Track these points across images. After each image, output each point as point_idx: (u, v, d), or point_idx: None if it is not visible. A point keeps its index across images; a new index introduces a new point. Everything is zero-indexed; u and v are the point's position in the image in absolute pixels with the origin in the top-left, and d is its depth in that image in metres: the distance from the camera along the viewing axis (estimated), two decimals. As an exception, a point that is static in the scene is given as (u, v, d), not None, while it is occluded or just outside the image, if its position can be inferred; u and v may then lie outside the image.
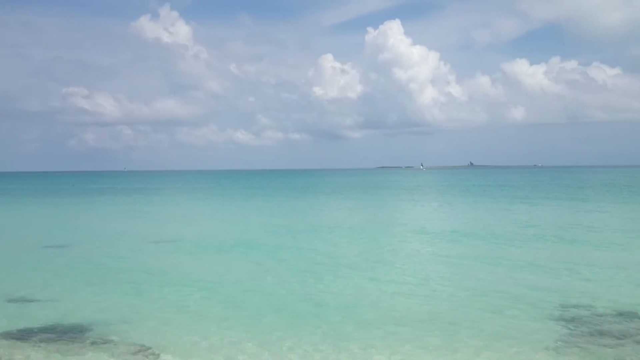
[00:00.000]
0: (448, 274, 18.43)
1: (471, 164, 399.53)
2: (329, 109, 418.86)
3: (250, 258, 22.14)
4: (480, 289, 16.16)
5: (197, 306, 14.77)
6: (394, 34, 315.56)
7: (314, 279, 17.80)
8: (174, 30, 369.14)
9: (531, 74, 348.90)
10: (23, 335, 12.23)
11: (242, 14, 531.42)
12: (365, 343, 11.55)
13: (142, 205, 54.80)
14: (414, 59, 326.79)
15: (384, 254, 22.93)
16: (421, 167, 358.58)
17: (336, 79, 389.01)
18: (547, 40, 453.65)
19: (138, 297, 15.87)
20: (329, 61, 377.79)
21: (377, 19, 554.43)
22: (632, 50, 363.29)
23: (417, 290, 16.10)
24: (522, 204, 49.25)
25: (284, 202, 57.34)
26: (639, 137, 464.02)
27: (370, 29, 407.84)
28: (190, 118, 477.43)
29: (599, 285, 16.56)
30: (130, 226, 35.80)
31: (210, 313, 14.07)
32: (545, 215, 38.34)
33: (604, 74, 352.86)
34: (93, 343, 11.70)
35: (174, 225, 36.02)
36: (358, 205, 54.08)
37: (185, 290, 16.39)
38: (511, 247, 23.99)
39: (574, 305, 14.09)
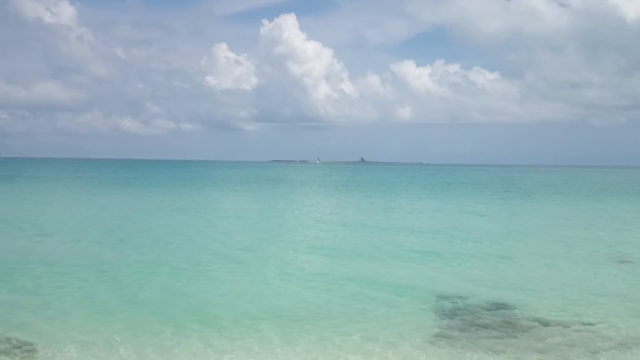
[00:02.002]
0: (330, 266, 18.23)
1: (362, 159, 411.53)
2: (223, 99, 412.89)
3: (116, 253, 20.34)
4: (358, 280, 16.14)
5: (77, 301, 13.50)
6: (289, 28, 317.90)
7: (193, 273, 16.83)
8: (57, 11, 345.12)
9: (417, 75, 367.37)
10: None
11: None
12: (245, 337, 11.03)
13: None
14: (308, 54, 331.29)
15: (270, 247, 22.26)
16: (317, 161, 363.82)
17: (230, 70, 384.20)
18: (433, 43, 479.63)
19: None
20: (223, 51, 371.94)
21: (273, 11, 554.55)
22: (510, 57, 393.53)
23: (297, 283, 15.80)
24: (408, 198, 50.91)
25: (168, 193, 54.66)
26: (514, 138, 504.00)
27: (265, 21, 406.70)
28: (73, 103, 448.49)
29: (474, 276, 17.02)
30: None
31: (86, 310, 12.81)
32: (427, 210, 39.65)
33: (483, 78, 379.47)
34: None
35: (40, 215, 32.66)
36: (246, 198, 52.94)
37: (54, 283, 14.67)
38: (395, 239, 24.40)
39: (450, 296, 14.30)
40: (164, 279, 16.18)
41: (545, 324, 12.14)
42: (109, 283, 15.54)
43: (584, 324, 12.15)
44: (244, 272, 17.33)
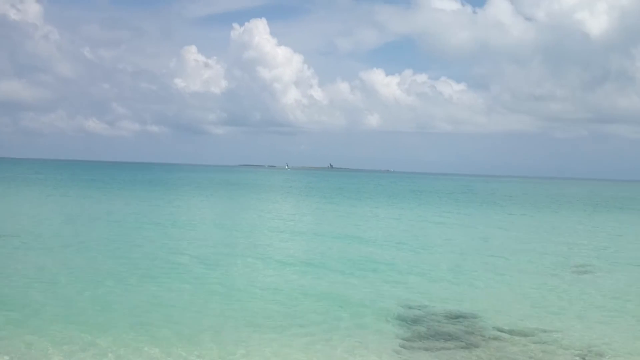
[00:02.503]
0: (289, 277, 18.06)
1: (331, 166, 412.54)
2: (191, 102, 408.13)
3: (75, 257, 19.84)
4: (318, 291, 16.02)
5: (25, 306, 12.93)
6: (260, 32, 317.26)
7: (146, 278, 16.50)
8: (23, 8, 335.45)
9: (386, 83, 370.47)
10: None
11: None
12: (204, 349, 10.77)
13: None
14: (278, 60, 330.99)
15: (226, 257, 21.99)
16: (286, 166, 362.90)
17: (199, 73, 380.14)
18: (402, 53, 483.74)
19: None
20: (192, 53, 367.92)
21: (244, 15, 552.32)
22: (476, 69, 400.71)
23: (254, 294, 15.49)
24: (371, 206, 51.17)
25: (130, 195, 53.64)
26: (479, 148, 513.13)
27: (236, 25, 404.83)
28: (37, 102, 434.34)
29: (434, 286, 17.19)
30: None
31: (40, 317, 12.32)
32: (389, 218, 39.91)
33: (450, 88, 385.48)
34: None
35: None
36: (208, 202, 52.39)
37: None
38: (357, 247, 24.43)
39: (411, 306, 14.37)
40: (102, 289, 15.53)
41: (505, 333, 12.30)
42: (47, 292, 14.97)
43: (542, 334, 12.33)
44: (193, 284, 16.77)
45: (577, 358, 10.93)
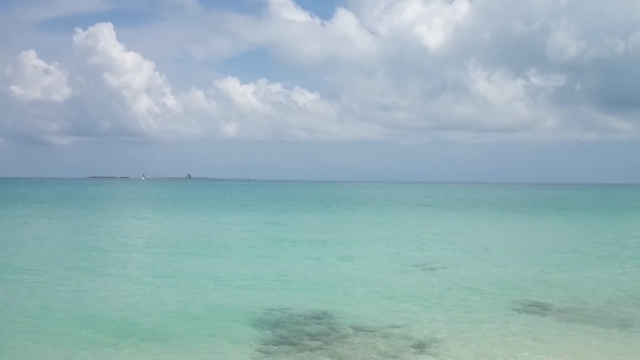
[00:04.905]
0: (153, 288, 17.63)
1: (189, 175, 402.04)
2: (30, 111, 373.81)
3: None
4: (175, 301, 15.83)
5: None
6: (106, 37, 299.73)
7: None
8: None
9: (242, 92, 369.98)
10: None
11: None
12: None
13: None
14: (127, 66, 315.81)
15: (80, 266, 20.72)
16: (143, 178, 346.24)
17: (39, 79, 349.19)
18: (257, 62, 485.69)
19: None
20: (31, 59, 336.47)
21: (88, 20, 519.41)
22: (328, 79, 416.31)
23: (102, 309, 14.92)
24: (225, 214, 51.07)
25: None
26: (334, 156, 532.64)
27: (79, 30, 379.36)
28: None
29: (288, 290, 17.66)
30: None
31: None
32: (244, 224, 40.14)
33: (304, 98, 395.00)
34: None
35: None
36: (43, 218, 48.51)
37: None
38: (209, 258, 24.32)
39: (266, 310, 14.66)
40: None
41: (360, 330, 12.97)
42: None
43: (392, 329, 13.17)
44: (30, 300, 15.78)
45: (419, 348, 11.86)
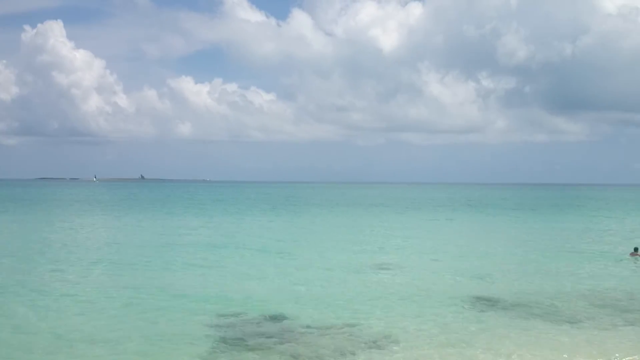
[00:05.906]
0: (104, 288, 17.34)
1: (142, 176, 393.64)
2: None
3: None
4: (136, 297, 15.95)
5: None
6: (55, 35, 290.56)
7: None
8: None
9: (196, 92, 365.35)
10: None
11: None
12: None
13: None
14: (77, 64, 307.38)
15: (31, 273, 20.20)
16: (94, 179, 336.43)
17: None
18: (211, 61, 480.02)
19: None
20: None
21: (37, 17, 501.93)
22: (284, 79, 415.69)
23: (65, 306, 14.80)
24: (178, 216, 50.38)
25: None
26: (291, 156, 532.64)
27: (27, 27, 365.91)
28: None
29: (245, 288, 17.85)
30: None
31: None
32: (199, 225, 39.73)
33: (260, 98, 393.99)
34: None
35: None
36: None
37: None
38: (167, 255, 24.09)
39: (223, 309, 14.76)
40: None
41: (316, 328, 13.19)
42: None
43: (347, 327, 13.41)
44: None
45: (372, 345, 12.12)
